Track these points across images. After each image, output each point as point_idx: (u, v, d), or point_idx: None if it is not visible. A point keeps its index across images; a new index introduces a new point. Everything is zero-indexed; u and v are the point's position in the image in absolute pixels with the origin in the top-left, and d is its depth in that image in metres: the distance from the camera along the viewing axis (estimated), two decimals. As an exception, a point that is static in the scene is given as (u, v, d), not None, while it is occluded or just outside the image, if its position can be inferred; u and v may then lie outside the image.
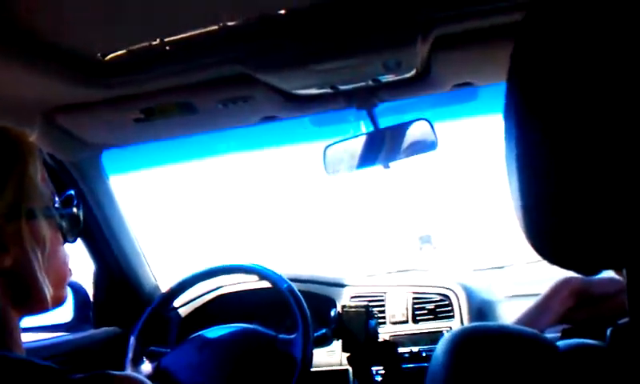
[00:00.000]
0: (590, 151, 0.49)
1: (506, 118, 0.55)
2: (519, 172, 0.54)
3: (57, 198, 0.84)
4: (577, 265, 0.57)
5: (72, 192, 0.90)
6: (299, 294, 1.60)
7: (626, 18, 0.47)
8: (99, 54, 1.24)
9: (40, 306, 0.79)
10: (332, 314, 1.75)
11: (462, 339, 0.67)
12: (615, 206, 0.50)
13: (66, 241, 0.86)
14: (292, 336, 1.56)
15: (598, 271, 0.59)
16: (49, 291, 0.78)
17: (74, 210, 0.89)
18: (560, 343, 0.67)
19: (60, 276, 0.83)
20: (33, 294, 0.77)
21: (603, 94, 0.48)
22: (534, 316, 1.18)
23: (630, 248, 0.52)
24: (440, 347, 0.69)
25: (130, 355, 1.62)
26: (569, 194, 0.51)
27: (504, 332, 0.69)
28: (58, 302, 0.84)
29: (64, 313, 1.82)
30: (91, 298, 2.03)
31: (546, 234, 0.55)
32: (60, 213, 0.83)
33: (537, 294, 1.26)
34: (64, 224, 0.85)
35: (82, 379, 0.68)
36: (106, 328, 2.01)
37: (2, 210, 0.72)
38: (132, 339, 1.65)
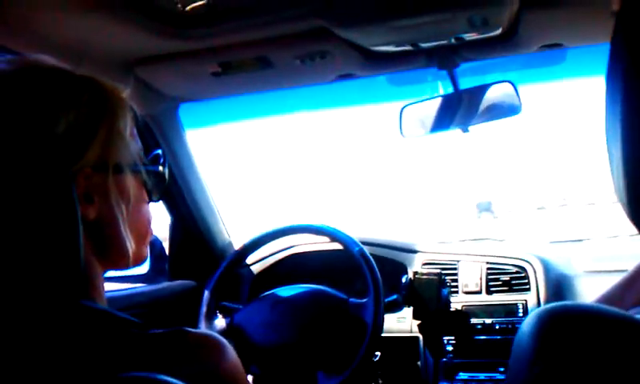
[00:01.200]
0: None
1: (609, 80, 0.52)
2: (623, 136, 0.50)
3: (144, 156, 0.84)
4: None
5: (159, 151, 0.90)
6: (371, 257, 1.58)
7: None
8: (179, 5, 1.23)
9: (122, 261, 0.79)
10: (403, 280, 1.73)
11: (551, 318, 0.63)
12: None
13: (150, 199, 0.86)
14: (363, 300, 1.54)
15: None
16: (131, 246, 0.78)
17: (160, 168, 0.88)
18: None
19: (142, 233, 0.84)
20: (115, 248, 0.77)
21: None
22: (619, 293, 1.12)
23: None
24: (526, 325, 0.65)
25: (204, 309, 1.65)
26: None
27: (595, 312, 0.64)
28: (139, 259, 0.84)
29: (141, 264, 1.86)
30: (167, 251, 2.08)
31: None
32: (147, 170, 0.83)
33: (617, 271, 1.20)
34: (149, 182, 0.84)
35: (160, 335, 0.68)
36: (181, 281, 2.06)
37: (90, 162, 0.72)
38: (206, 293, 1.67)
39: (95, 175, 0.73)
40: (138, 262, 0.84)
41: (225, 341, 0.72)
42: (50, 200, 0.66)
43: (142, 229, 0.83)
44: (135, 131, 0.83)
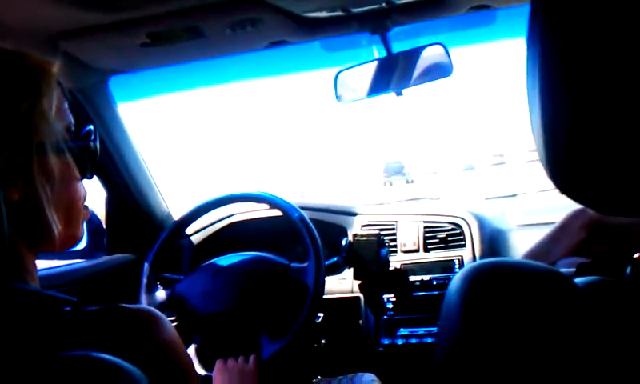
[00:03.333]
0: (619, 81, 0.46)
1: (529, 41, 0.52)
2: (542, 98, 0.51)
3: (73, 132, 0.82)
4: (594, 202, 0.55)
5: (91, 127, 0.87)
6: (310, 222, 1.60)
7: None
8: None
9: (49, 243, 0.77)
10: (343, 242, 1.76)
11: (477, 275, 0.66)
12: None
13: (83, 176, 0.83)
14: (304, 264, 1.57)
15: (617, 212, 0.56)
16: (57, 228, 0.75)
17: (91, 145, 0.85)
18: (578, 280, 0.65)
19: (73, 213, 0.81)
20: (41, 230, 0.75)
21: (634, 18, 0.45)
22: (546, 246, 1.17)
23: None
24: (454, 284, 0.67)
25: (144, 282, 1.64)
26: (593, 125, 0.49)
27: (521, 268, 0.67)
28: (73, 240, 0.83)
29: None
30: (104, 226, 2.04)
31: (566, 167, 0.53)
32: (76, 148, 0.80)
33: (550, 223, 1.24)
34: (80, 159, 0.81)
35: (95, 312, 0.68)
36: (120, 255, 2.03)
37: (11, 143, 0.70)
38: (146, 266, 1.66)
39: (16, 156, 0.70)
40: (72, 243, 0.83)
41: (161, 314, 0.72)
42: None
43: (72, 208, 0.81)
44: (66, 106, 0.81)
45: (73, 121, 0.82)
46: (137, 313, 0.70)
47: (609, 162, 0.50)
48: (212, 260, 1.66)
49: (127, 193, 2.03)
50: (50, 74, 0.78)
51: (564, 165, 0.53)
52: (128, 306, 0.70)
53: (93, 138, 0.86)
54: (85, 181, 0.85)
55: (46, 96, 0.75)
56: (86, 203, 0.86)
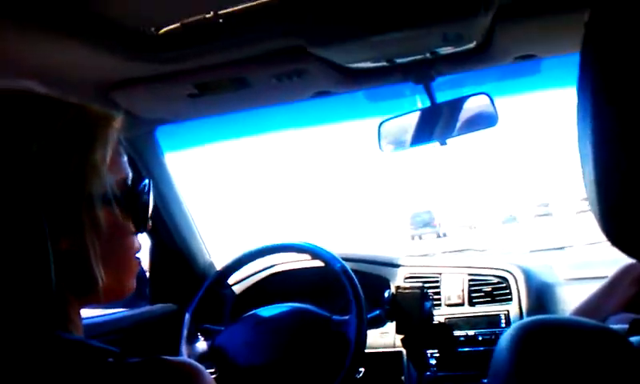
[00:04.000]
0: None
1: (580, 92, 0.51)
2: (594, 149, 0.50)
3: (129, 185, 0.82)
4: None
5: (146, 181, 0.87)
6: (352, 274, 1.58)
7: None
8: (153, 28, 1.23)
9: (95, 296, 0.76)
10: (386, 294, 1.73)
11: (527, 333, 0.63)
12: None
13: (137, 231, 0.83)
14: (346, 317, 1.54)
15: None
16: (102, 281, 0.75)
17: (145, 198, 0.85)
18: (633, 339, 0.62)
19: (122, 267, 0.81)
20: (88, 282, 0.74)
21: None
22: (597, 302, 1.13)
23: None
24: (504, 341, 0.65)
25: (185, 333, 1.63)
26: None
27: (572, 325, 0.64)
28: (121, 293, 0.82)
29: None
30: (147, 274, 2.06)
31: (619, 219, 0.51)
32: (128, 201, 0.81)
33: (599, 277, 1.20)
34: (133, 213, 0.82)
35: (137, 364, 0.67)
36: (162, 304, 2.04)
37: (62, 193, 0.71)
38: (187, 316, 1.65)
39: (66, 206, 0.71)
40: (121, 295, 0.82)
41: (201, 367, 0.70)
42: (20, 229, 0.65)
43: (122, 262, 0.81)
44: (124, 159, 0.82)
45: (130, 174, 0.82)
46: (178, 365, 0.69)
47: None
48: (253, 311, 1.65)
49: (170, 242, 2.04)
50: (109, 126, 0.78)
51: (617, 218, 0.51)
52: (169, 358, 0.69)
53: (147, 191, 0.86)
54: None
55: (100, 148, 0.76)
56: (137, 255, 0.86)
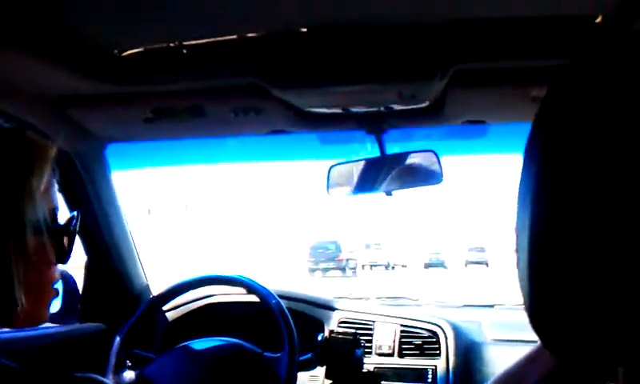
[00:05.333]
0: (607, 230, 0.42)
1: (526, 162, 0.49)
2: (531, 236, 0.46)
3: (57, 216, 0.82)
4: (569, 353, 0.48)
5: (74, 213, 0.87)
6: (287, 312, 1.58)
7: None
8: (116, 50, 1.23)
9: (12, 320, 0.76)
10: (319, 337, 1.73)
11: None
12: (627, 297, 0.42)
13: (58, 261, 0.83)
14: (277, 355, 1.54)
15: (593, 365, 0.50)
16: (22, 306, 0.74)
17: (71, 230, 0.85)
18: None
19: (42, 295, 0.81)
20: (7, 306, 0.73)
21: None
22: (520, 372, 1.16)
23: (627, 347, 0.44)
24: None
25: (113, 359, 1.59)
26: (577, 268, 0.44)
27: None
28: (36, 320, 0.82)
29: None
30: (80, 290, 2.00)
31: (551, 318, 0.47)
32: (56, 232, 0.81)
33: (526, 341, 1.23)
34: (58, 244, 0.82)
35: (43, 379, 0.67)
36: (92, 323, 1.98)
37: None
38: (117, 340, 1.61)
39: None
40: (35, 323, 0.82)
41: None
42: None
43: (41, 290, 0.80)
44: (55, 189, 0.81)
45: (58, 205, 0.82)
46: (85, 381, 0.68)
47: (595, 319, 0.44)
48: (185, 343, 1.62)
49: (108, 260, 2.00)
50: (47, 155, 0.78)
51: (550, 315, 0.47)
52: (78, 374, 0.68)
53: (74, 223, 0.86)
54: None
55: (37, 176, 0.76)
56: (55, 285, 0.86)
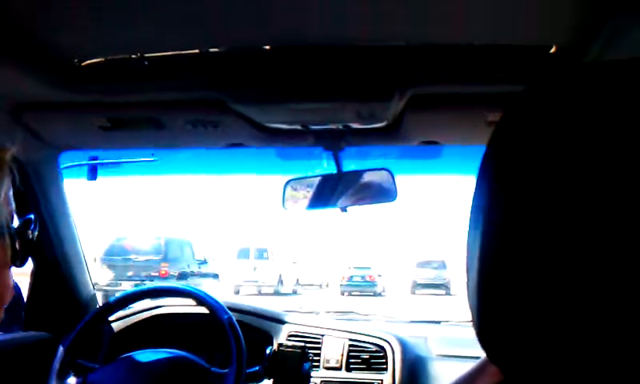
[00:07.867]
0: (556, 253, 0.44)
1: (479, 183, 0.50)
2: (482, 252, 0.48)
3: (15, 218, 0.81)
4: (514, 368, 0.50)
5: (32, 216, 0.86)
6: (238, 327, 1.58)
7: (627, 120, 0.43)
8: (76, 59, 1.22)
9: None
10: (267, 351, 1.74)
11: None
12: (574, 314, 0.44)
13: (13, 263, 0.81)
14: (225, 370, 1.53)
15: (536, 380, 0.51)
16: None
17: (29, 234, 0.84)
18: None
19: None
20: None
21: (589, 192, 0.43)
22: (468, 381, 1.18)
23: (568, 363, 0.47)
24: None
25: (57, 367, 1.56)
26: (524, 288, 0.46)
27: None
28: None
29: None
30: (25, 298, 1.95)
31: (497, 334, 0.49)
32: (15, 234, 0.79)
33: (470, 357, 1.26)
34: (14, 247, 0.80)
35: None
36: (36, 332, 1.93)
37: None
38: (61, 349, 1.58)
39: None
40: None
41: None
42: None
43: None
44: (10, 193, 0.81)
45: (15, 208, 0.82)
46: None
47: (539, 336, 0.46)
48: (131, 353, 1.60)
49: (55, 268, 1.95)
50: (3, 160, 0.77)
51: (497, 331, 0.49)
52: None
53: (32, 227, 0.85)
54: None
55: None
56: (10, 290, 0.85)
